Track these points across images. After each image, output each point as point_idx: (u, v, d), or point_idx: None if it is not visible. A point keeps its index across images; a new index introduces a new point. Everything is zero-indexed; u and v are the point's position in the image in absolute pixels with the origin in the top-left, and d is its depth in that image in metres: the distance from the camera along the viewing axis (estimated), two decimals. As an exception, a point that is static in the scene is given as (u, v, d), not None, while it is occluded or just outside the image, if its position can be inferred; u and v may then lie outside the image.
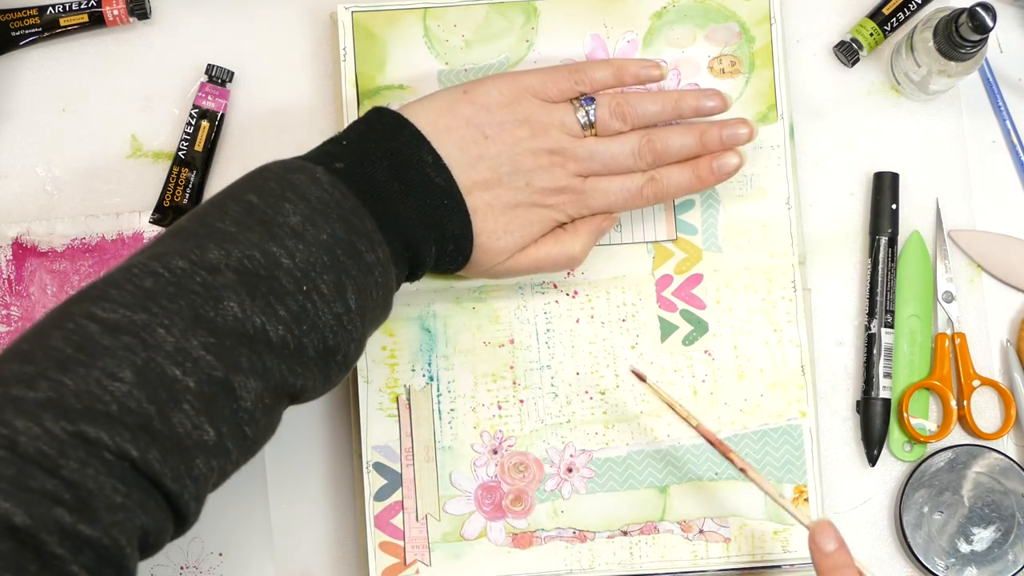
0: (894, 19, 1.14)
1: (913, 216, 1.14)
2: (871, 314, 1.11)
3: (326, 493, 1.10)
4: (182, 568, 1.08)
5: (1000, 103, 1.15)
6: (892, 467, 1.12)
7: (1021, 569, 1.08)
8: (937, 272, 1.13)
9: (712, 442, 1.01)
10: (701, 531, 1.07)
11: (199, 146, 1.11)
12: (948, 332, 1.12)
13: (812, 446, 1.08)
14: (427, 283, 1.08)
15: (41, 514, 0.75)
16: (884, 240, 1.12)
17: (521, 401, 1.08)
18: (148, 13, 1.12)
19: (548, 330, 1.09)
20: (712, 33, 1.12)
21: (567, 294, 1.09)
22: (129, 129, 1.13)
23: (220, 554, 1.08)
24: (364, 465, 1.07)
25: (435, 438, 1.07)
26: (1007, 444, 1.12)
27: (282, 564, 1.09)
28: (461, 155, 0.99)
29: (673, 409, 1.02)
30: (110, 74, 1.13)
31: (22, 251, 1.10)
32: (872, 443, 1.11)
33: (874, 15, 1.14)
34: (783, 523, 1.07)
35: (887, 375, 1.11)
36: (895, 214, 1.12)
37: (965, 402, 1.11)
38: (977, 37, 1.04)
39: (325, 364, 0.89)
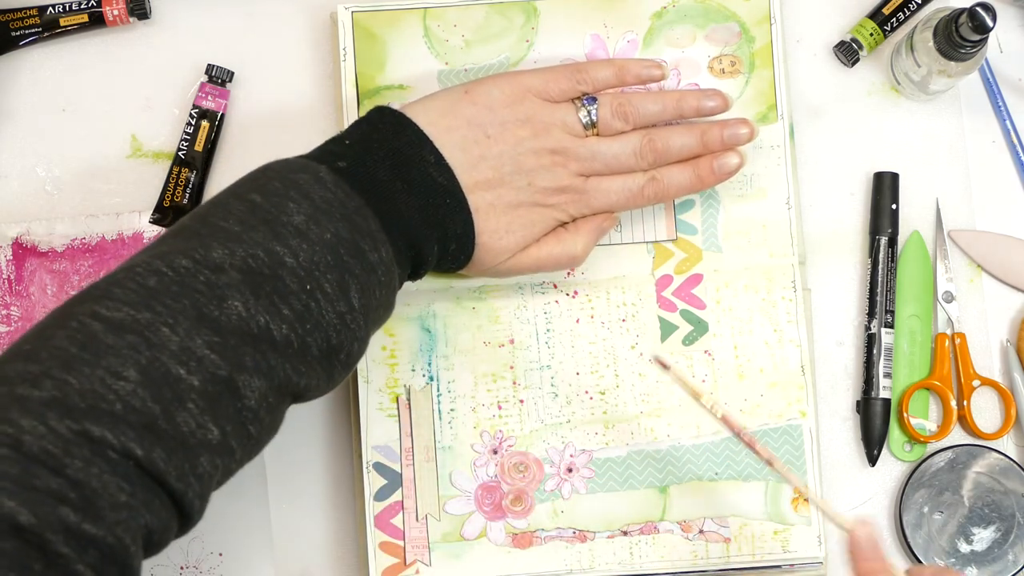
0: (894, 19, 1.15)
1: (913, 216, 1.14)
2: (871, 314, 1.11)
3: (326, 493, 1.10)
4: (182, 568, 1.07)
5: (1000, 103, 1.15)
6: (892, 467, 1.12)
7: (1021, 569, 1.08)
8: (937, 272, 1.13)
9: (737, 433, 1.00)
10: (701, 531, 1.07)
11: (199, 146, 1.11)
12: (948, 332, 1.12)
13: (812, 446, 1.08)
14: (427, 283, 1.08)
15: (46, 513, 0.75)
16: (884, 240, 1.12)
17: (521, 401, 1.08)
18: (148, 13, 1.12)
19: (548, 330, 1.09)
20: (712, 33, 1.12)
21: (567, 294, 1.09)
22: (129, 129, 1.13)
23: (220, 554, 1.08)
24: (364, 465, 1.07)
25: (435, 438, 1.07)
26: (1007, 444, 1.12)
27: (282, 564, 1.09)
28: (463, 155, 0.99)
29: (697, 399, 1.02)
30: (110, 74, 1.13)
31: (22, 251, 1.10)
32: (872, 443, 1.11)
33: (874, 15, 1.15)
34: (783, 523, 1.07)
35: (887, 375, 1.11)
36: (895, 214, 1.12)
37: (965, 402, 1.11)
38: (977, 37, 1.04)
39: (328, 363, 0.89)
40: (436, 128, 0.98)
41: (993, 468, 1.09)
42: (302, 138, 1.09)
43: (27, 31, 1.11)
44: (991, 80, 1.15)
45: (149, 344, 0.82)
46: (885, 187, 1.13)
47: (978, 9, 1.02)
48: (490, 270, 1.03)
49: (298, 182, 0.91)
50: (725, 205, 1.11)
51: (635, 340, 1.09)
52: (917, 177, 1.14)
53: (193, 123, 1.11)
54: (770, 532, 1.07)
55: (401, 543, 1.06)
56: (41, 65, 1.13)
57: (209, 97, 1.12)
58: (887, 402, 1.11)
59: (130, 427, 0.79)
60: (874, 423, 1.11)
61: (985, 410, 1.13)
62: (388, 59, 1.11)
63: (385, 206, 0.93)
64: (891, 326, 1.11)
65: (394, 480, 1.07)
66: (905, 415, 1.10)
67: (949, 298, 1.13)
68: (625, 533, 1.07)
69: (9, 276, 1.09)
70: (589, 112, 1.02)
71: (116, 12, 1.11)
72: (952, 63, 1.07)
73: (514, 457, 1.08)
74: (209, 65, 1.12)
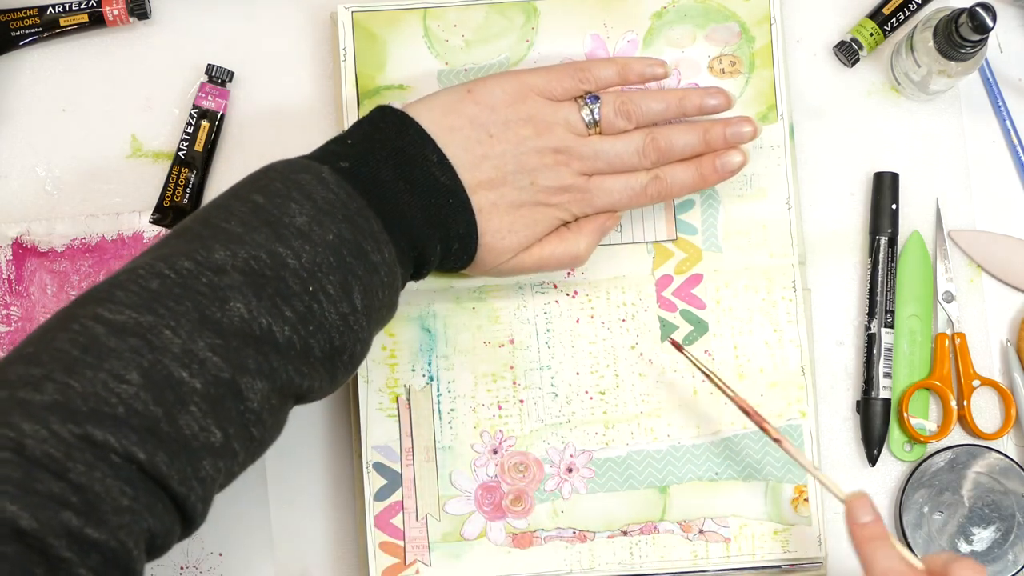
0: (894, 19, 1.15)
1: (913, 216, 1.14)
2: (871, 314, 1.11)
3: (326, 493, 1.10)
4: (182, 568, 1.07)
5: (1000, 103, 1.15)
6: (892, 467, 1.12)
7: (1021, 569, 1.08)
8: (937, 272, 1.13)
9: (748, 412, 1.01)
10: (701, 531, 1.07)
11: (199, 146, 1.11)
12: (948, 332, 1.12)
13: (812, 446, 1.08)
14: (427, 283, 1.08)
15: (48, 517, 0.75)
16: (884, 240, 1.12)
17: (521, 401, 1.08)
18: (148, 13, 1.12)
19: (548, 330, 1.09)
20: (712, 33, 1.12)
21: (567, 294, 1.09)
22: (129, 129, 1.12)
23: (220, 554, 1.08)
24: (364, 465, 1.07)
25: (435, 438, 1.07)
26: (1007, 444, 1.12)
27: (282, 564, 1.09)
28: (466, 154, 0.98)
29: (711, 380, 1.02)
30: (110, 74, 1.13)
31: (22, 251, 1.09)
32: (872, 443, 1.11)
33: (874, 15, 1.15)
34: (783, 523, 1.07)
35: (887, 375, 1.11)
36: (895, 214, 1.12)
37: (965, 402, 1.11)
38: (977, 37, 1.04)
39: (331, 364, 0.89)
40: (439, 127, 0.98)
41: (993, 468, 1.09)
42: (302, 138, 1.09)
43: (27, 31, 1.11)
44: (991, 80, 1.15)
45: (151, 347, 0.81)
46: (885, 187, 1.13)
47: (978, 9, 1.02)
48: (492, 270, 1.03)
49: (300, 183, 0.90)
50: (725, 205, 1.11)
51: (635, 340, 1.09)
52: (917, 177, 1.14)
53: (193, 123, 1.11)
54: (770, 532, 1.07)
55: (401, 543, 1.06)
56: (41, 65, 1.13)
57: (209, 97, 1.12)
58: (887, 402, 1.11)
59: (132, 430, 0.79)
60: (874, 423, 1.11)
61: (985, 410, 1.13)
62: (388, 59, 1.11)
63: (388, 206, 0.93)
64: (891, 326, 1.11)
65: (394, 480, 1.07)
66: (905, 415, 1.11)
67: (949, 298, 1.13)
68: (625, 533, 1.07)
69: (9, 276, 1.09)
70: (592, 111, 1.02)
71: (116, 12, 1.11)
72: (952, 63, 1.07)
73: (514, 457, 1.08)
74: (209, 65, 1.12)
